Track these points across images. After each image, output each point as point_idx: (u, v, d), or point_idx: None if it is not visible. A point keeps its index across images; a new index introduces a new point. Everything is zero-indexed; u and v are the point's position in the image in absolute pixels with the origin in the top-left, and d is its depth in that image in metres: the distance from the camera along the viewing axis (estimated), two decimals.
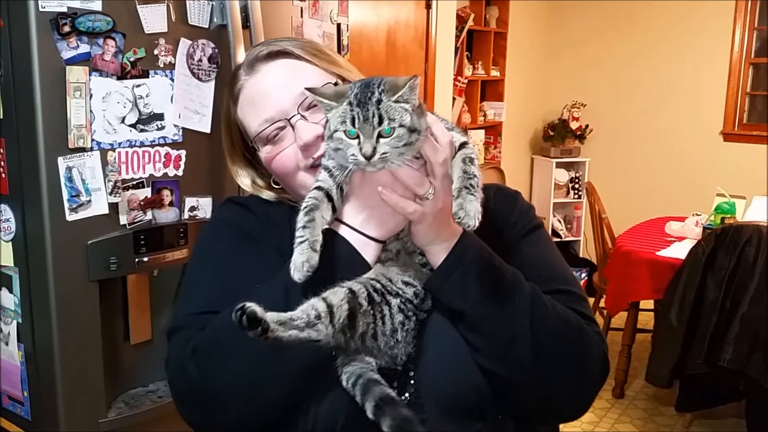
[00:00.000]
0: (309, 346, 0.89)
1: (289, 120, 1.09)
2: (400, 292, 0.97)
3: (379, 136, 0.89)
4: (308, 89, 0.97)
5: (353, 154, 0.89)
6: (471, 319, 0.97)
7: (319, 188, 0.96)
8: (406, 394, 0.98)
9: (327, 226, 0.97)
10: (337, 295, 0.92)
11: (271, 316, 0.86)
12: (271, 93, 1.11)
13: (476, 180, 0.91)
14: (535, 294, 0.99)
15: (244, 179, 1.20)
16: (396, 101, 0.89)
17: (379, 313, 0.94)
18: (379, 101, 0.89)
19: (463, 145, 0.96)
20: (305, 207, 0.95)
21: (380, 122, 0.88)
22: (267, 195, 1.18)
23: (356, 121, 0.89)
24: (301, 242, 0.92)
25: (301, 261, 0.91)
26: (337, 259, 0.96)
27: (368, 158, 0.88)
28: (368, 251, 0.98)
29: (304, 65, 1.13)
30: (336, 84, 1.11)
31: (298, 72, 1.11)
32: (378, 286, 0.96)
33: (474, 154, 0.95)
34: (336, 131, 0.91)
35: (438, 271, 0.97)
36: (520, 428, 1.02)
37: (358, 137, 0.89)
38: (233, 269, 1.05)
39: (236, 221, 1.12)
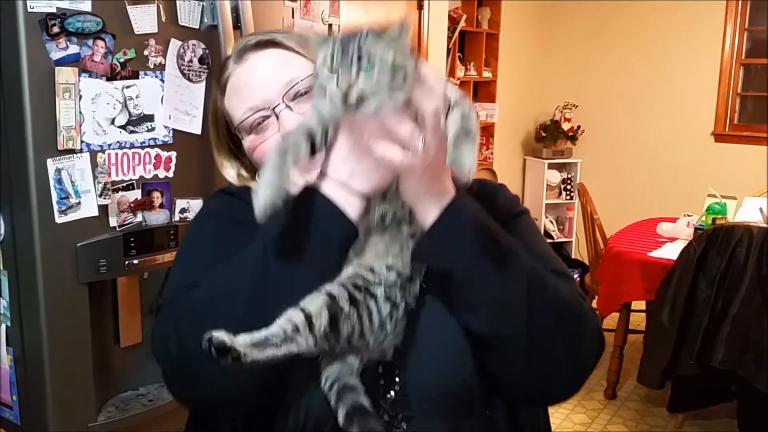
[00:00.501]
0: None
1: (273, 109, 1.08)
2: (383, 279, 0.92)
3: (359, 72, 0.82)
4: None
5: (331, 90, 0.83)
6: (464, 279, 0.92)
7: (303, 131, 0.89)
8: (392, 392, 0.96)
9: (309, 183, 0.92)
10: (314, 302, 0.87)
11: (242, 341, 0.82)
12: (257, 81, 1.09)
13: (472, 125, 0.85)
14: (531, 261, 0.96)
15: (230, 171, 1.19)
16: (382, 39, 0.82)
17: (365, 310, 0.90)
18: (362, 38, 0.82)
19: (459, 101, 0.88)
20: (279, 148, 0.88)
21: (359, 58, 0.82)
22: (254, 186, 1.16)
23: (335, 57, 0.83)
24: (264, 183, 0.86)
25: (265, 203, 0.85)
26: (319, 218, 0.91)
27: (345, 94, 0.82)
28: (352, 207, 0.91)
29: (293, 56, 1.11)
30: None
31: (287, 62, 1.10)
32: (359, 282, 0.91)
33: (473, 111, 0.88)
34: (318, 72, 0.85)
35: (432, 228, 0.92)
36: (507, 424, 1.01)
37: (338, 73, 0.83)
38: (222, 249, 1.01)
39: (228, 210, 1.10)
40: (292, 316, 0.86)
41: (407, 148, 0.85)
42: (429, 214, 0.91)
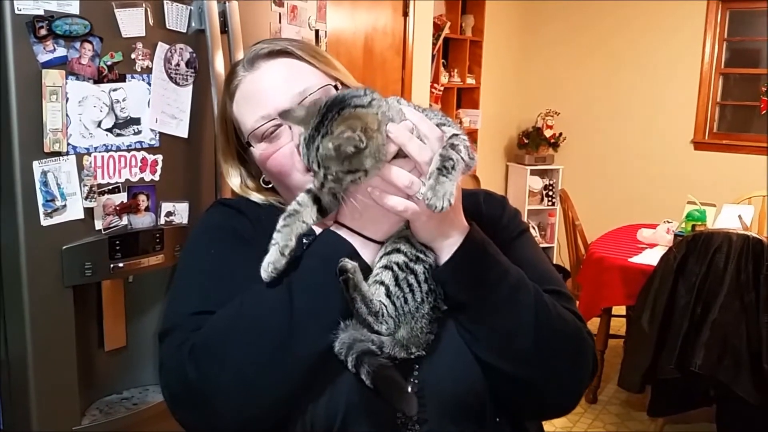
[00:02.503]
0: (322, 343, 0.93)
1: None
2: (422, 256, 0.98)
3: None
4: (280, 114, 0.99)
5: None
6: (475, 312, 0.98)
7: (308, 191, 0.98)
8: (408, 389, 0.99)
9: (330, 227, 0.99)
10: (381, 296, 0.95)
11: (361, 281, 0.93)
12: (269, 90, 1.11)
13: (452, 162, 0.90)
14: (537, 291, 1.01)
15: (234, 179, 1.20)
16: (334, 146, 0.88)
17: (407, 285, 0.96)
18: (318, 147, 0.90)
19: (453, 137, 0.95)
20: (286, 213, 0.97)
21: (318, 167, 0.90)
22: (255, 197, 1.17)
23: (302, 155, 0.93)
24: (272, 245, 0.96)
25: (267, 262, 0.95)
26: (337, 260, 0.96)
27: (320, 189, 0.92)
28: (367, 252, 0.98)
29: (305, 66, 1.13)
30: (336, 87, 1.13)
31: (298, 72, 1.12)
32: (401, 260, 0.97)
33: (461, 142, 0.94)
34: None
35: (445, 266, 0.97)
36: (515, 430, 1.05)
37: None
38: (227, 270, 1.04)
39: (228, 223, 1.11)
40: (379, 307, 0.95)
41: (409, 197, 0.91)
42: (442, 253, 0.97)
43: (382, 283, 0.96)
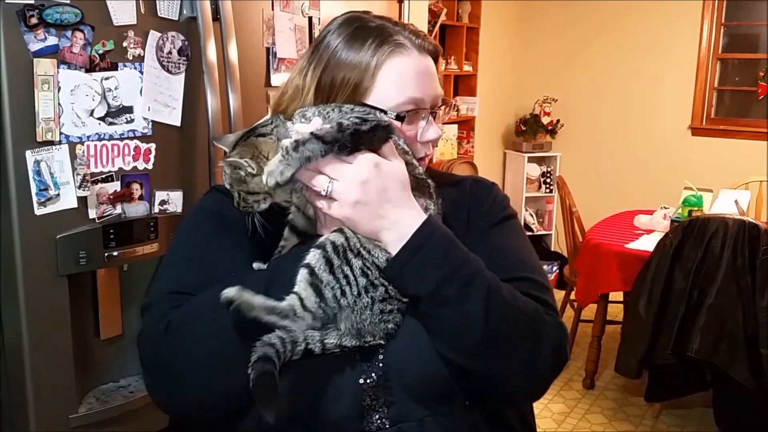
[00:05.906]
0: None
1: (427, 110, 1.13)
2: (364, 253, 0.97)
3: None
4: (214, 138, 1.14)
5: None
6: (425, 306, 0.98)
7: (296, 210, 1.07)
8: (373, 374, 1.00)
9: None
10: (300, 283, 0.95)
11: (257, 301, 0.93)
12: (430, 79, 1.13)
13: (287, 147, 0.95)
14: (494, 284, 0.99)
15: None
16: (227, 171, 0.99)
17: (342, 274, 0.96)
18: (226, 170, 1.00)
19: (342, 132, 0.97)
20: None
21: (232, 188, 1.01)
22: None
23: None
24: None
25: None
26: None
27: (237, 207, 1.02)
28: None
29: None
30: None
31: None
32: (340, 242, 0.96)
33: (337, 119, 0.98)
34: None
35: (390, 263, 0.98)
36: (486, 413, 1.04)
37: None
38: (208, 255, 1.08)
39: (218, 209, 1.14)
40: (291, 300, 0.94)
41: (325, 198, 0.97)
42: (389, 248, 0.98)
43: (306, 265, 0.95)
